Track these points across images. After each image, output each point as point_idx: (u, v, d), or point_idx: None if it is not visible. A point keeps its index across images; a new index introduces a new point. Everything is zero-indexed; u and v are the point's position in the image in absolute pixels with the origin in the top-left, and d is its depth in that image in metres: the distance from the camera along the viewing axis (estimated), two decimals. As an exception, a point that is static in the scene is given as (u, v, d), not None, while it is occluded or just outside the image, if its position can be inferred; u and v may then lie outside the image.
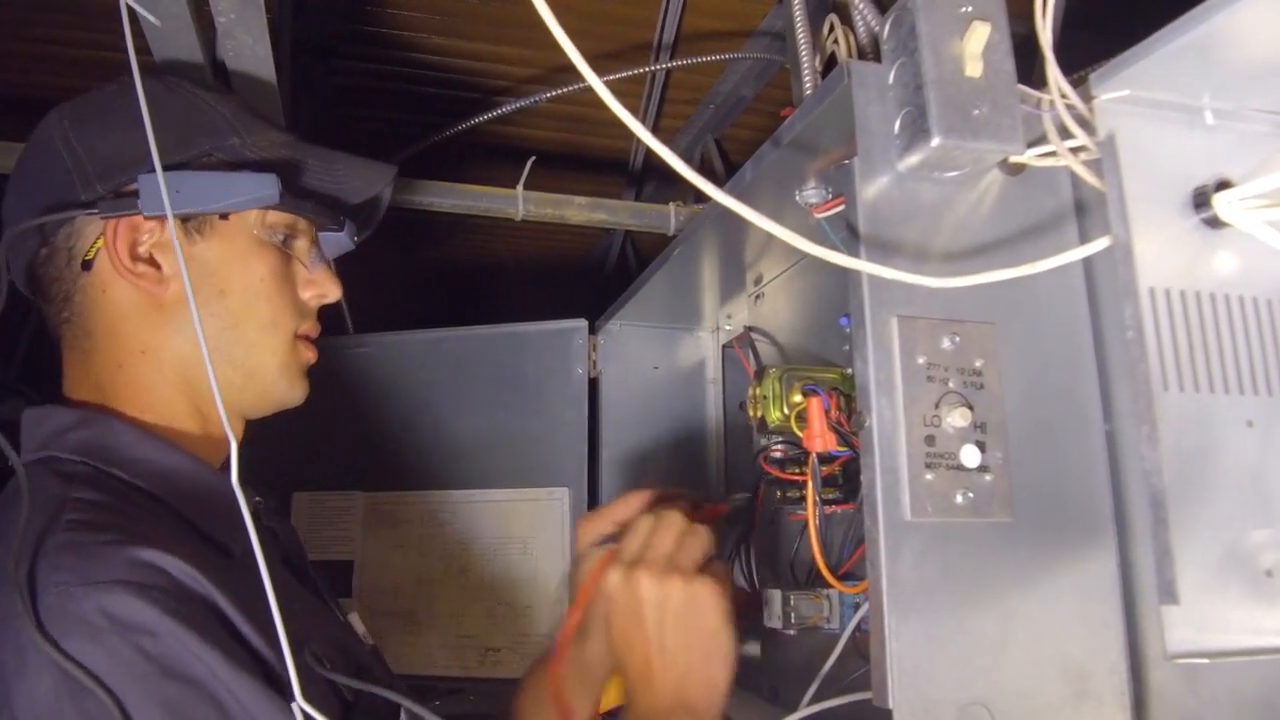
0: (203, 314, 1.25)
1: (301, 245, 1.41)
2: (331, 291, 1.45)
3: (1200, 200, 1.08)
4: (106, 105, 1.34)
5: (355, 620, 1.49)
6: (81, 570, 1.04)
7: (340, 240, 1.49)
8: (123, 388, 1.30)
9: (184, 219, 1.29)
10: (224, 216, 1.32)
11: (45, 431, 1.25)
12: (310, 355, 1.42)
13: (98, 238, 1.29)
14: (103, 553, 1.06)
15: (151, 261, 1.29)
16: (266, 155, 1.35)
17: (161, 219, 1.26)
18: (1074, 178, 1.17)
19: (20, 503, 1.11)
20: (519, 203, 2.26)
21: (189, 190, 1.26)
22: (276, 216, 1.35)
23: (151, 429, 1.28)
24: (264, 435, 1.44)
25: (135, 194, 1.25)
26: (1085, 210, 1.20)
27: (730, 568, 1.48)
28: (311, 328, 1.43)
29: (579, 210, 2.33)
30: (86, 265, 1.30)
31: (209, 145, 1.32)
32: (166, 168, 1.22)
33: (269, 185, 1.30)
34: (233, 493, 1.13)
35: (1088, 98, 1.09)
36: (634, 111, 0.99)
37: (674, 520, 1.39)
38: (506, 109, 2.20)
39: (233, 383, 1.32)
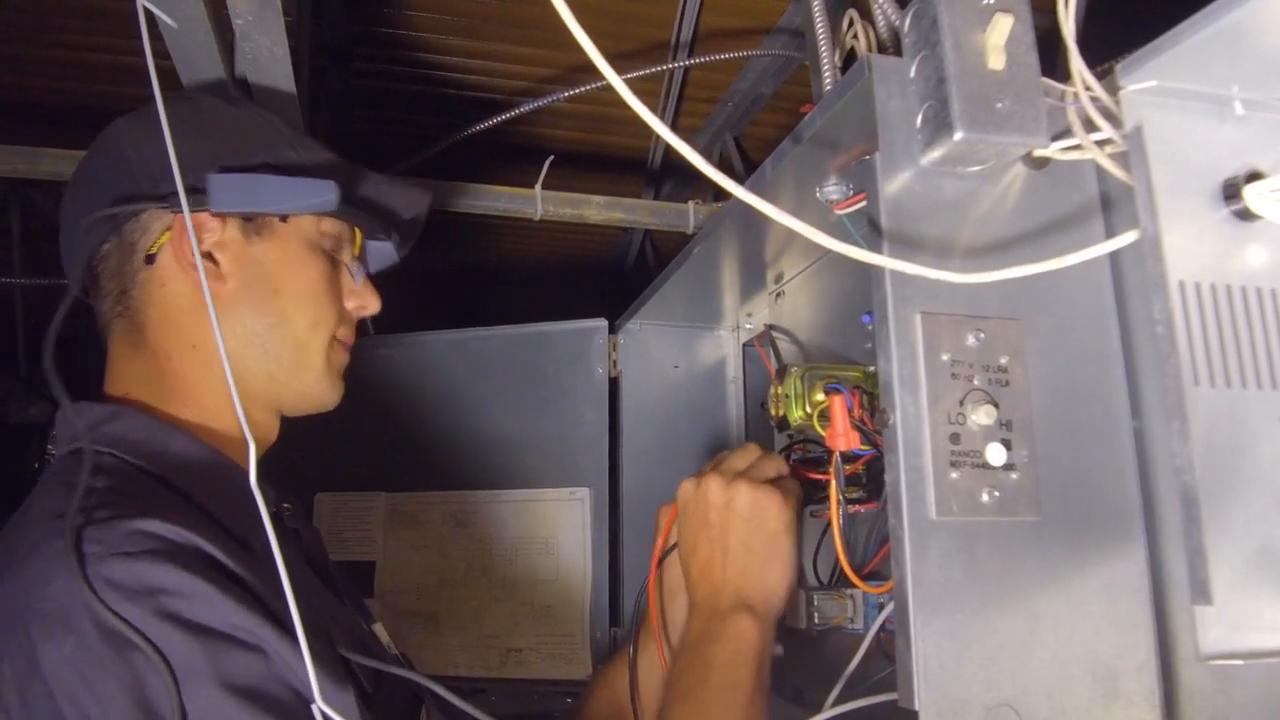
0: (254, 311, 1.36)
1: (348, 256, 1.47)
2: (372, 304, 1.51)
3: (1230, 192, 1.06)
4: (171, 114, 1.33)
5: (380, 630, 1.50)
6: (104, 542, 1.06)
7: (384, 253, 1.57)
8: (170, 379, 1.34)
9: (246, 219, 1.36)
10: (283, 219, 1.38)
11: (78, 426, 1.26)
12: (344, 357, 1.47)
13: (162, 233, 1.34)
14: (124, 527, 1.09)
15: (211, 259, 1.33)
16: (318, 172, 1.39)
17: (224, 218, 1.34)
18: (1099, 171, 1.15)
19: (50, 487, 1.18)
20: (537, 202, 2.26)
21: (256, 190, 1.33)
22: (330, 225, 1.42)
23: (188, 424, 1.32)
24: (287, 436, 1.46)
25: (204, 192, 1.30)
26: (1111, 204, 1.18)
27: (801, 486, 1.48)
28: (349, 335, 1.48)
29: (597, 209, 2.33)
30: (150, 259, 1.34)
31: (268, 156, 1.38)
32: (240, 166, 1.34)
33: (329, 191, 1.34)
34: (260, 490, 1.16)
35: (1113, 90, 1.07)
36: (652, 111, 0.98)
37: (750, 447, 1.51)
38: (524, 109, 2.19)
39: (276, 378, 1.39)
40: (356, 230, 1.50)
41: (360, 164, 1.53)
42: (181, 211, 1.26)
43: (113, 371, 1.38)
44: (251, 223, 1.37)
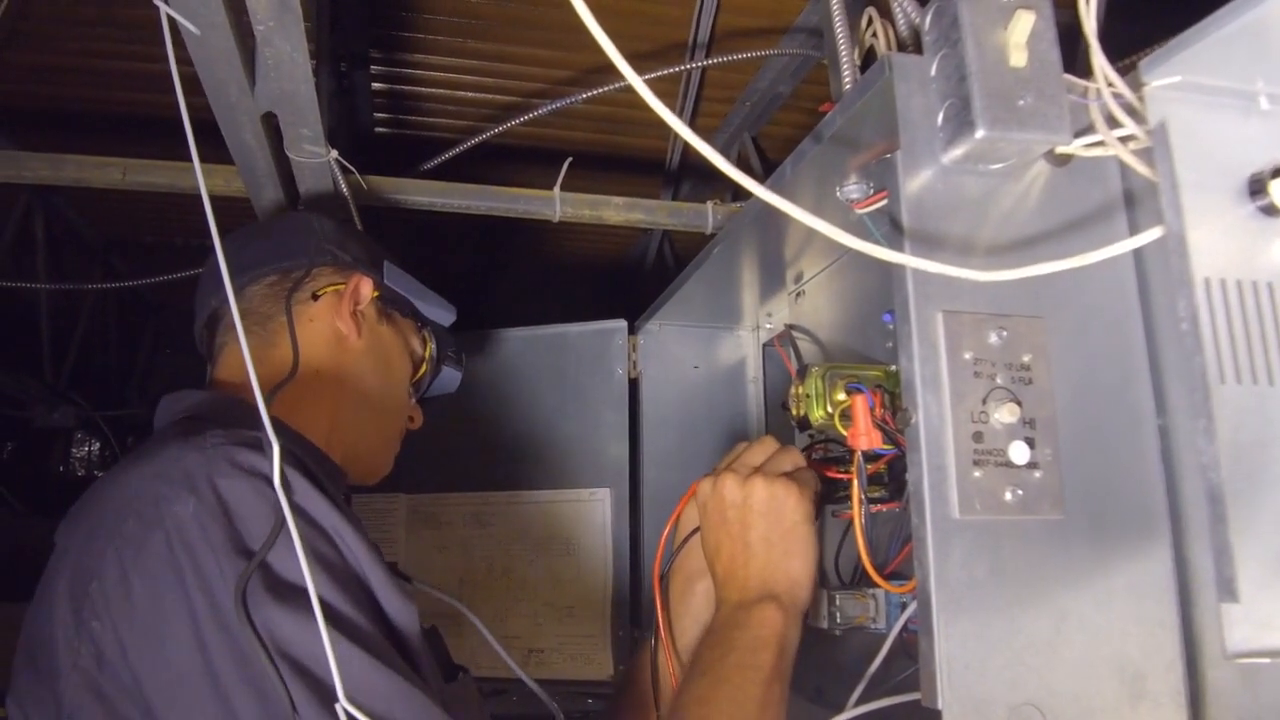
0: (371, 374, 1.58)
1: (425, 370, 1.73)
2: (419, 422, 1.75)
3: (1256, 188, 1.06)
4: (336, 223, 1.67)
5: None
6: (229, 438, 1.20)
7: (445, 385, 1.83)
8: (284, 390, 1.44)
9: (382, 306, 1.62)
10: (405, 315, 1.66)
11: (180, 407, 1.41)
12: (396, 443, 1.70)
13: (328, 285, 1.56)
14: (242, 434, 1.22)
15: (356, 321, 1.56)
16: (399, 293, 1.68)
17: (372, 298, 1.59)
18: (1123, 168, 1.15)
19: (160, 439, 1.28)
20: (556, 204, 2.26)
21: (408, 284, 1.67)
22: (423, 336, 1.71)
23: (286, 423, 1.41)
24: None
25: (380, 267, 1.62)
26: (1135, 201, 1.18)
27: (818, 477, 1.49)
28: (417, 421, 1.74)
29: (616, 210, 2.32)
30: (316, 297, 1.55)
31: (368, 272, 1.62)
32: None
33: (450, 311, 1.72)
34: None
35: (1137, 86, 1.07)
36: (670, 111, 0.98)
37: (766, 441, 1.54)
38: (542, 111, 2.19)
39: (365, 435, 1.60)
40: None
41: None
42: (356, 272, 1.57)
43: (224, 372, 1.53)
44: (385, 310, 1.62)
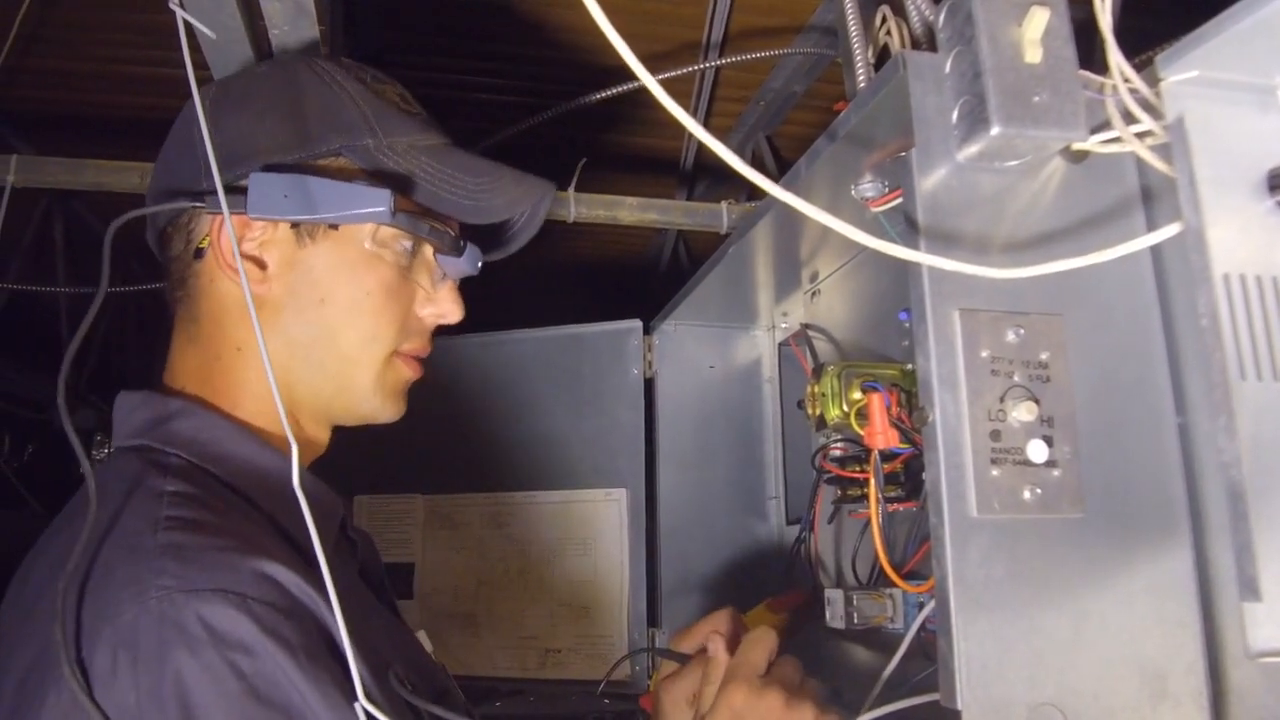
0: (298, 320, 1.28)
1: (425, 259, 1.37)
2: (452, 313, 1.41)
3: (1275, 183, 1.05)
4: (246, 89, 1.33)
5: (423, 638, 1.46)
6: (185, 576, 1.02)
7: (462, 264, 1.43)
8: (218, 379, 1.28)
9: (294, 222, 1.27)
10: (334, 226, 1.28)
11: (141, 419, 1.24)
12: (411, 374, 1.38)
13: (204, 236, 1.28)
14: (208, 559, 1.05)
15: (258, 260, 1.26)
16: (398, 163, 1.31)
17: (273, 219, 1.25)
18: (1140, 164, 1.14)
19: (107, 491, 1.11)
20: (570, 205, 2.26)
21: (299, 195, 1.23)
22: (393, 230, 1.29)
23: (242, 425, 1.26)
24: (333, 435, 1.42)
25: (247, 190, 1.22)
26: (1152, 197, 1.18)
27: (800, 664, 1.47)
28: (419, 347, 1.38)
29: (630, 211, 2.33)
30: (199, 254, 1.29)
31: (340, 144, 1.28)
32: (288, 166, 1.24)
33: (381, 202, 1.24)
34: (320, 496, 1.17)
35: (1153, 81, 1.07)
36: (684, 111, 0.99)
37: (767, 636, 1.38)
38: (556, 111, 2.19)
39: (323, 393, 1.31)
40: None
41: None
42: (238, 212, 1.21)
43: (172, 362, 1.33)
44: (301, 226, 1.27)
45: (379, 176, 1.28)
